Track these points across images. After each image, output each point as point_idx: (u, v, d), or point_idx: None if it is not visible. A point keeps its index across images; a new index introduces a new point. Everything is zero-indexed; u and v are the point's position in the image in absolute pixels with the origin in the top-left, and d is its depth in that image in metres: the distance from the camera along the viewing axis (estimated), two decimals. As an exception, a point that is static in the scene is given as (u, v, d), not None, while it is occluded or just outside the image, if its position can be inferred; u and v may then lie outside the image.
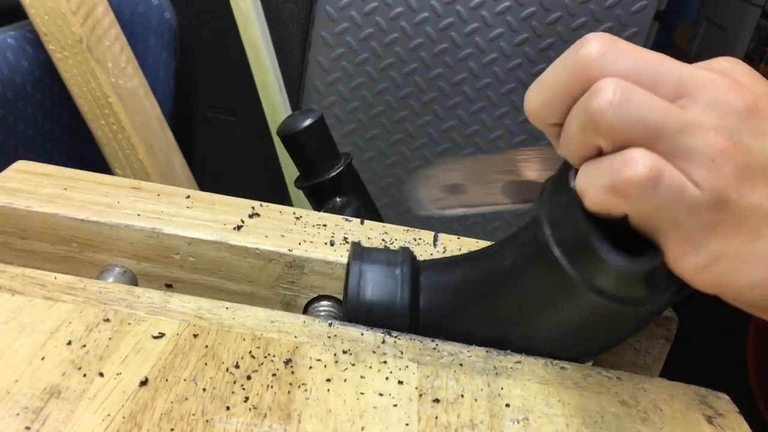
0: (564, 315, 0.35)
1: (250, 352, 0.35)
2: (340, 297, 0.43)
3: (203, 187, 1.31)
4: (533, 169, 0.41)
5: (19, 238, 0.42)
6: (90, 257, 0.42)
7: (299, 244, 0.43)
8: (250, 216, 0.45)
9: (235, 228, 0.43)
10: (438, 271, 0.40)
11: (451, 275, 0.40)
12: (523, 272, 0.36)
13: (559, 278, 0.33)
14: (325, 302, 0.43)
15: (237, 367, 0.34)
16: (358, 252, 0.40)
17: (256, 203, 0.46)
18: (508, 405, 0.35)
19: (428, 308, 0.39)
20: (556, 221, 0.33)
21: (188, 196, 0.46)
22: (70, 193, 0.43)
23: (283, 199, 1.41)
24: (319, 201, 0.60)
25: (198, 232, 0.42)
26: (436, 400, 0.34)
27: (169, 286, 0.43)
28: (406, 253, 0.40)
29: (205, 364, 0.33)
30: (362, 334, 0.38)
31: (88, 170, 0.47)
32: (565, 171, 0.33)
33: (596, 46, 0.30)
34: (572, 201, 0.31)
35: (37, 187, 0.43)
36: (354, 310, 0.38)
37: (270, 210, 0.46)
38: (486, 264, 0.39)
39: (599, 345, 0.38)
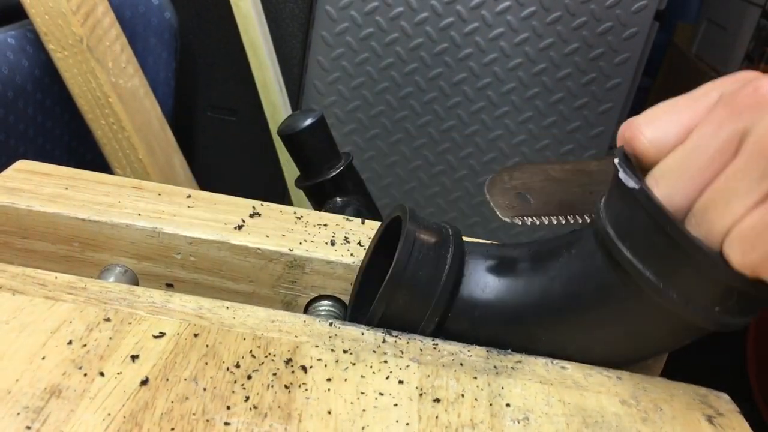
0: (635, 328, 0.36)
1: (251, 351, 0.35)
2: (341, 296, 0.43)
3: (203, 186, 1.31)
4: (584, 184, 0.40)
5: (20, 237, 0.42)
6: (91, 257, 0.42)
7: (300, 243, 0.43)
8: (251, 215, 0.45)
9: (236, 227, 0.43)
10: (483, 257, 0.39)
11: (496, 267, 0.39)
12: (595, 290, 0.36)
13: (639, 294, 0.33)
14: (325, 302, 0.43)
15: (237, 366, 0.34)
16: (412, 215, 0.39)
17: (257, 203, 0.47)
18: (508, 404, 0.35)
19: (467, 291, 0.38)
20: (638, 241, 0.33)
21: (189, 196, 0.46)
22: (71, 193, 0.43)
23: (284, 198, 1.41)
24: (320, 201, 0.60)
25: (199, 231, 0.42)
26: (437, 400, 0.34)
27: (170, 286, 0.43)
28: (454, 229, 0.40)
29: (206, 363, 0.33)
30: (362, 334, 0.38)
31: (88, 170, 0.47)
32: (626, 177, 0.33)
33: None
34: (654, 214, 0.32)
35: (38, 187, 0.43)
36: (400, 273, 0.37)
37: (271, 210, 0.46)
38: (541, 268, 0.38)
39: (655, 352, 0.38)
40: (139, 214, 0.42)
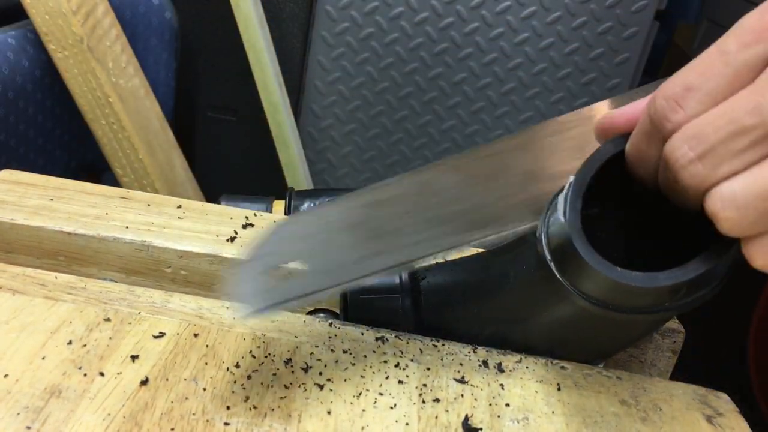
0: (558, 319, 0.35)
1: (251, 351, 0.35)
2: (337, 310, 0.43)
3: (204, 187, 1.30)
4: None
5: (4, 252, 0.41)
6: (77, 271, 0.41)
7: (297, 251, 0.42)
8: (244, 226, 0.44)
9: (228, 239, 0.42)
10: (438, 274, 0.40)
11: (451, 280, 0.39)
12: (524, 283, 0.36)
13: (554, 287, 0.33)
14: (321, 315, 0.42)
15: (237, 366, 0.34)
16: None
17: (249, 213, 0.46)
18: (508, 404, 0.35)
19: (430, 311, 0.39)
20: (552, 242, 0.32)
21: (179, 206, 0.45)
22: (56, 204, 0.42)
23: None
24: None
25: (190, 244, 0.41)
26: (436, 400, 0.34)
27: (167, 289, 0.43)
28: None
29: (206, 363, 0.33)
30: (362, 334, 0.38)
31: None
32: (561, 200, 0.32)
33: None
34: (565, 229, 0.31)
35: (22, 198, 0.42)
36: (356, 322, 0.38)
37: (264, 220, 0.46)
38: (485, 272, 0.39)
39: (601, 348, 0.38)
40: (127, 227, 0.41)
